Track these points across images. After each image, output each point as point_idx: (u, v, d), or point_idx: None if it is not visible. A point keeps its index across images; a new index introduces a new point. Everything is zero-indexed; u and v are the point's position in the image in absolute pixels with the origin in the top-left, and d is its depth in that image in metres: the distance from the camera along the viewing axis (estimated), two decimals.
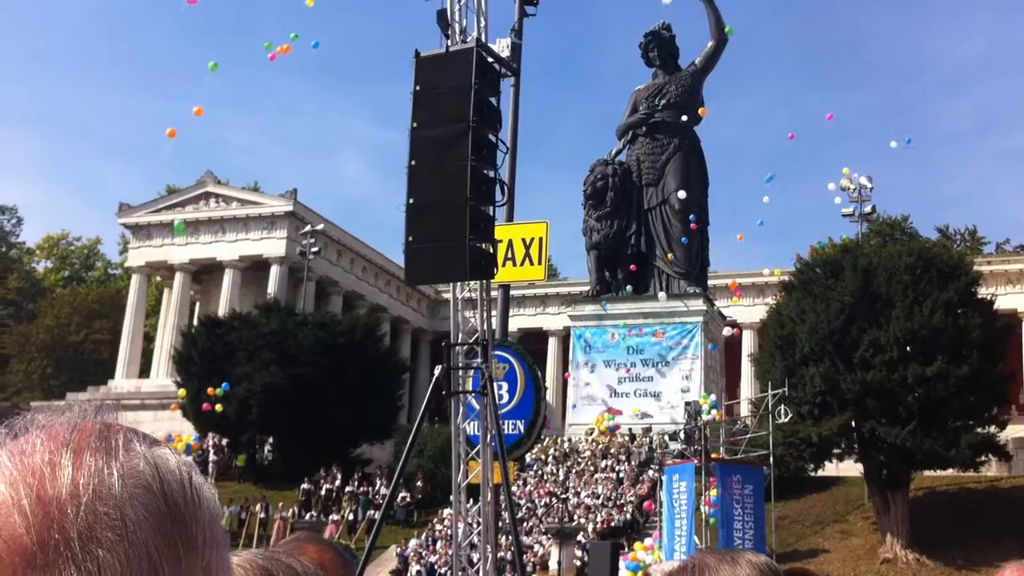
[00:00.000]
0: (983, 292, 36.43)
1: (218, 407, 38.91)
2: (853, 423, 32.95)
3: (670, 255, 47.13)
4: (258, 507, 38.13)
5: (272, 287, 57.72)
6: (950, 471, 35.03)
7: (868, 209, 44.74)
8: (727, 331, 44.95)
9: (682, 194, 46.88)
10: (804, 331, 34.02)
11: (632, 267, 46.94)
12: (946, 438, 32.14)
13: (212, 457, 45.94)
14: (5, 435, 0.82)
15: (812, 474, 36.91)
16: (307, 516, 38.40)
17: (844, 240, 41.06)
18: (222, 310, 53.89)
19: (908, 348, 31.94)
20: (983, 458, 33.93)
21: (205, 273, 62.47)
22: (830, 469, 37.40)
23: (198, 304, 63.16)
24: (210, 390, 36.47)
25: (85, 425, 0.83)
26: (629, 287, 47.05)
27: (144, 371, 62.33)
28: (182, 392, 42.13)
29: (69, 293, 75.86)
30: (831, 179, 40.95)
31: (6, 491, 0.77)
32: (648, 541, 31.13)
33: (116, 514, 0.78)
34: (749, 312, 60.43)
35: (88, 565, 0.75)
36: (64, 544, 0.75)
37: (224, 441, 46.44)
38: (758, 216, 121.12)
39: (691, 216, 44.63)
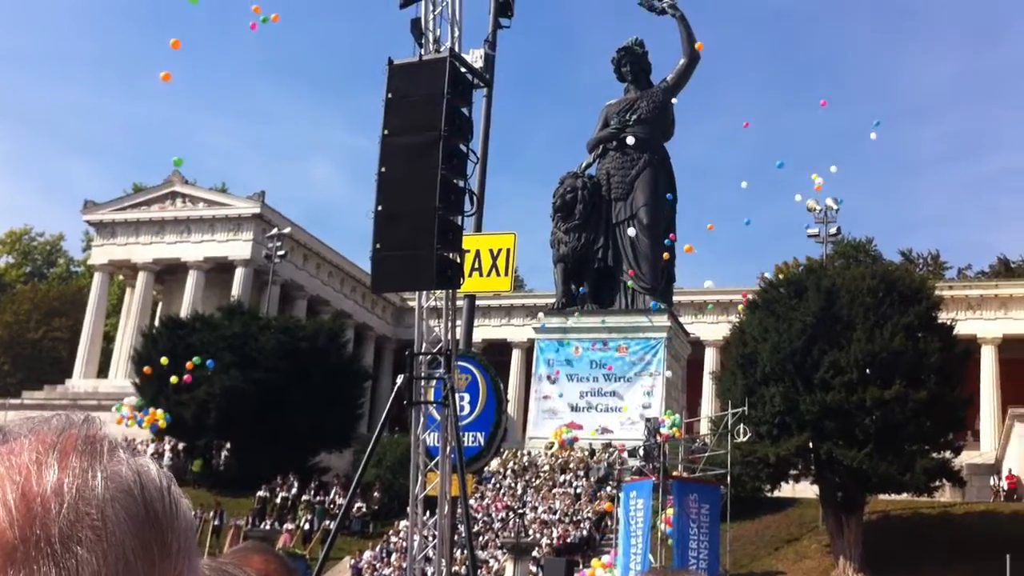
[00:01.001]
0: (943, 317, 36.77)
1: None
2: (811, 444, 33.10)
3: (632, 270, 47.29)
4: (212, 514, 37.64)
5: (236, 289, 57.28)
6: (904, 495, 35.27)
7: (833, 231, 45.14)
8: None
9: (642, 212, 47.31)
10: (766, 350, 34.17)
11: (583, 287, 47.14)
12: (901, 462, 32.36)
13: (167, 461, 45.36)
14: (1, 436, 0.84)
15: (768, 495, 37.04)
16: (262, 524, 38.00)
17: (809, 261, 41.41)
18: (185, 311, 53.39)
19: (868, 370, 32.14)
20: (937, 483, 34.22)
21: (169, 273, 61.91)
22: (786, 490, 37.56)
23: (160, 305, 62.57)
24: (189, 364, 35.51)
25: (72, 432, 0.85)
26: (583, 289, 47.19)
27: (103, 371, 61.61)
28: (136, 400, 40.79)
29: (30, 290, 74.86)
30: (798, 200, 41.20)
31: None
32: (606, 558, 31.09)
33: (97, 514, 0.80)
34: (712, 329, 60.71)
35: (68, 562, 0.77)
36: (45, 540, 0.77)
37: (180, 445, 45.90)
38: (727, 232, 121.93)
39: (666, 241, 44.99)
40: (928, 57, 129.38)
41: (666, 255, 44.30)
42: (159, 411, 36.48)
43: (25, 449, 0.82)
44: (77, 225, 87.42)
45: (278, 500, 40.33)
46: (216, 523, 37.32)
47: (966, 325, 50.49)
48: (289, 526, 38.08)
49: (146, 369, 40.47)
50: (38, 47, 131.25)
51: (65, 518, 0.78)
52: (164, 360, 36.50)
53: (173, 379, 36.93)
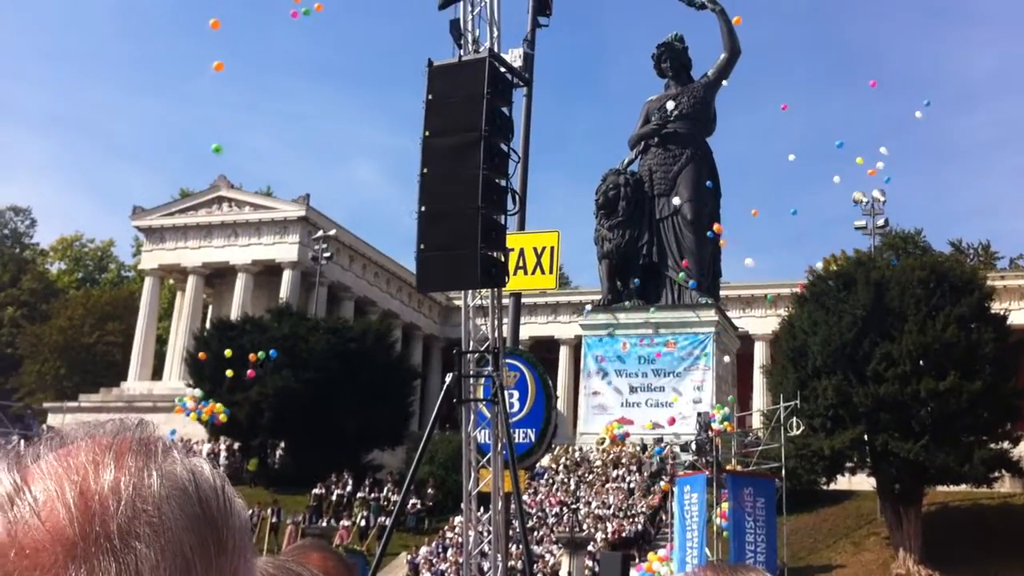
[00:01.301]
0: (996, 307, 36.22)
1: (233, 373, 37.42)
2: (866, 437, 32.79)
3: (686, 261, 46.90)
4: (269, 512, 38.14)
5: (284, 292, 57.85)
6: (963, 486, 34.82)
7: (881, 222, 44.59)
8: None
9: (676, 200, 46.98)
10: (816, 343, 33.91)
11: (636, 280, 46.85)
12: (959, 453, 31.96)
13: (223, 461, 46.04)
14: (56, 441, 0.86)
15: (824, 487, 36.73)
16: (319, 521, 38.39)
17: (857, 253, 40.89)
18: (234, 314, 54.01)
19: (921, 362, 31.80)
20: (996, 474, 33.73)
21: (217, 277, 62.68)
22: (842, 483, 37.24)
23: (211, 307, 63.36)
24: (252, 356, 35.89)
25: (127, 435, 0.88)
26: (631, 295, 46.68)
27: (156, 373, 62.53)
28: (198, 392, 41.04)
29: (82, 295, 76.15)
30: (844, 191, 40.76)
31: (51, 486, 0.81)
32: (663, 552, 30.98)
33: (154, 511, 0.82)
34: (761, 323, 60.30)
35: (127, 558, 0.79)
36: (105, 537, 0.79)
37: (236, 445, 46.53)
38: (773, 226, 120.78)
39: (708, 232, 44.64)
40: (974, 43, 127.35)
41: (718, 228, 43.83)
42: (219, 404, 36.97)
43: (82, 451, 0.84)
44: (127, 231, 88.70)
45: (333, 497, 40.73)
46: (274, 521, 37.79)
47: (1020, 315, 49.60)
48: (345, 523, 38.45)
49: (201, 355, 41.15)
50: (85, 51, 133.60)
51: (123, 515, 0.80)
52: (228, 352, 36.89)
53: (229, 372, 37.48)
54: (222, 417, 36.66)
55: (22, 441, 0.88)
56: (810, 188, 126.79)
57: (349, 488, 41.14)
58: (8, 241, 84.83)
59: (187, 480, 0.86)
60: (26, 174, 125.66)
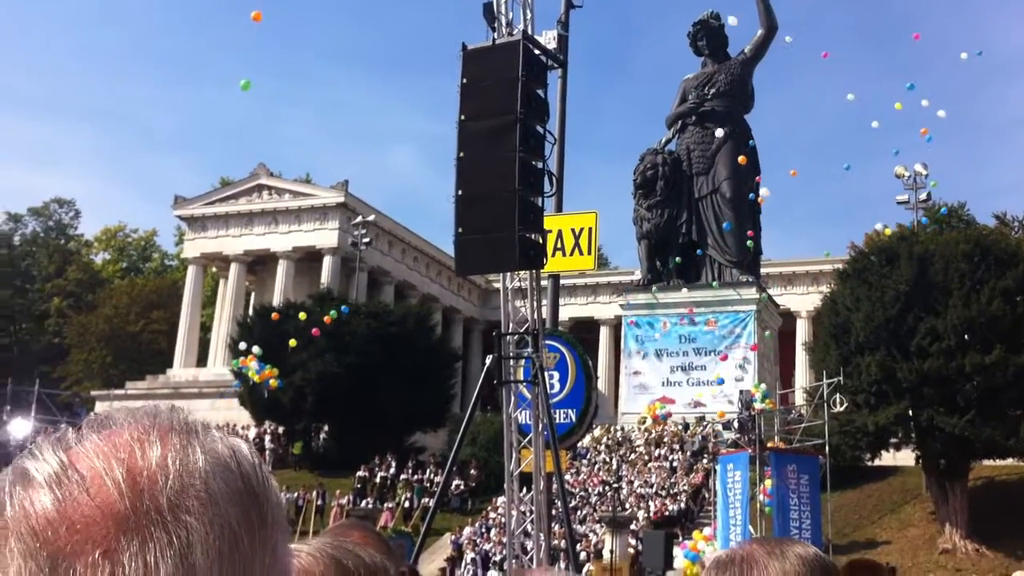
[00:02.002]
0: None
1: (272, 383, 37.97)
2: (910, 412, 32.53)
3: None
4: (315, 494, 38.57)
5: (325, 277, 58.25)
6: (1010, 460, 34.46)
7: (923, 196, 44.02)
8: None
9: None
10: (859, 319, 33.64)
11: (678, 258, 46.55)
12: (1006, 427, 31.62)
13: (268, 445, 46.55)
14: (99, 423, 0.89)
15: (869, 464, 36.49)
16: (363, 503, 38.76)
17: (900, 228, 40.37)
18: (277, 300, 54.50)
19: (966, 336, 31.46)
20: None
21: (259, 264, 63.21)
22: (887, 459, 36.96)
23: (253, 294, 63.94)
24: (327, 318, 36.33)
25: (165, 415, 0.91)
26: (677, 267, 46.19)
27: (201, 360, 63.27)
28: (258, 350, 40.74)
29: (127, 284, 77.14)
30: (885, 165, 40.24)
31: (98, 464, 0.83)
32: (707, 531, 30.98)
33: (201, 485, 0.84)
34: (803, 300, 59.87)
35: (179, 530, 0.81)
36: (156, 511, 0.81)
37: (280, 429, 47.04)
38: (811, 202, 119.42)
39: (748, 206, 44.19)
40: (1013, 13, 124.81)
41: (761, 198, 43.42)
42: (275, 371, 37.39)
43: (125, 431, 0.87)
44: (169, 220, 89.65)
45: (377, 480, 41.08)
46: (319, 503, 38.22)
47: None
48: (390, 504, 38.81)
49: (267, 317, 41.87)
50: (125, 44, 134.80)
51: (172, 488, 0.83)
52: (257, 350, 37.32)
53: (292, 342, 37.92)
54: (273, 383, 37.02)
55: (68, 428, 0.91)
56: (852, 162, 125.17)
57: (393, 470, 41.48)
58: (53, 233, 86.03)
59: (229, 456, 0.88)
60: (70, 166, 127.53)
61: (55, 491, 0.81)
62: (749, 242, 45.34)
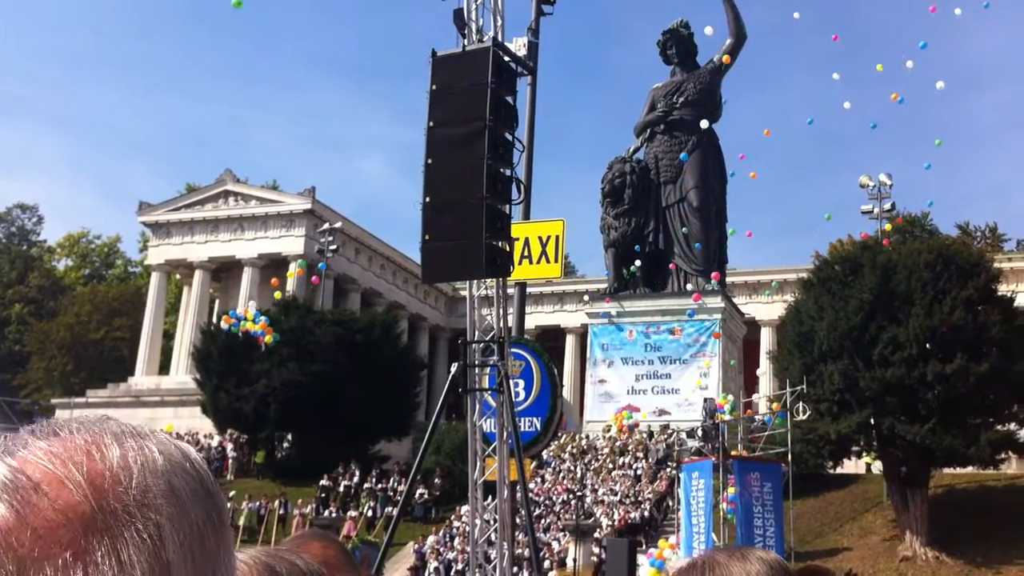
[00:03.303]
0: (1003, 289, 36.12)
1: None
2: (872, 420, 32.81)
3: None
4: (277, 503, 38.30)
5: (291, 285, 57.94)
6: (970, 468, 34.82)
7: (888, 206, 44.53)
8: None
9: (692, 194, 47.12)
10: (823, 328, 33.90)
11: (637, 262, 46.69)
12: (966, 435, 31.94)
13: (231, 454, 46.18)
14: (44, 431, 0.86)
15: (831, 471, 36.76)
16: (326, 512, 38.53)
17: (874, 235, 40.71)
18: (241, 308, 54.11)
19: (927, 345, 31.76)
20: (1003, 455, 33.74)
21: (224, 271, 62.78)
22: (849, 467, 37.24)
23: (217, 302, 63.49)
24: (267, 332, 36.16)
25: (112, 422, 0.89)
26: (637, 264, 46.45)
27: (164, 368, 62.72)
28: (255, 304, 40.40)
29: (89, 291, 76.37)
30: (851, 176, 40.75)
31: (54, 468, 0.81)
32: (674, 539, 31.09)
33: (165, 485, 0.84)
34: (767, 309, 60.28)
35: (149, 528, 0.81)
36: (123, 510, 0.80)
37: (243, 438, 46.66)
38: (777, 212, 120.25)
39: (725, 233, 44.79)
40: (983, 23, 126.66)
41: (716, 275, 44.24)
42: (271, 329, 37.26)
43: (77, 435, 0.85)
44: (133, 227, 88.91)
45: (341, 489, 40.87)
46: (281, 512, 37.95)
47: None
48: (353, 513, 38.59)
49: (274, 281, 42.65)
50: (92, 49, 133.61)
51: (137, 488, 0.82)
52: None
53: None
54: (268, 338, 36.79)
55: (8, 436, 0.88)
56: (816, 174, 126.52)
57: (356, 479, 41.27)
58: (15, 239, 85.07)
59: (182, 458, 0.88)
60: (33, 171, 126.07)
61: (10, 500, 0.79)
62: (731, 229, 45.76)
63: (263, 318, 36.71)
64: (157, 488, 0.83)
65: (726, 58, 48.71)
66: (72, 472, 0.81)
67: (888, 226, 42.10)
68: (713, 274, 45.66)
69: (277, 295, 43.22)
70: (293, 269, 58.89)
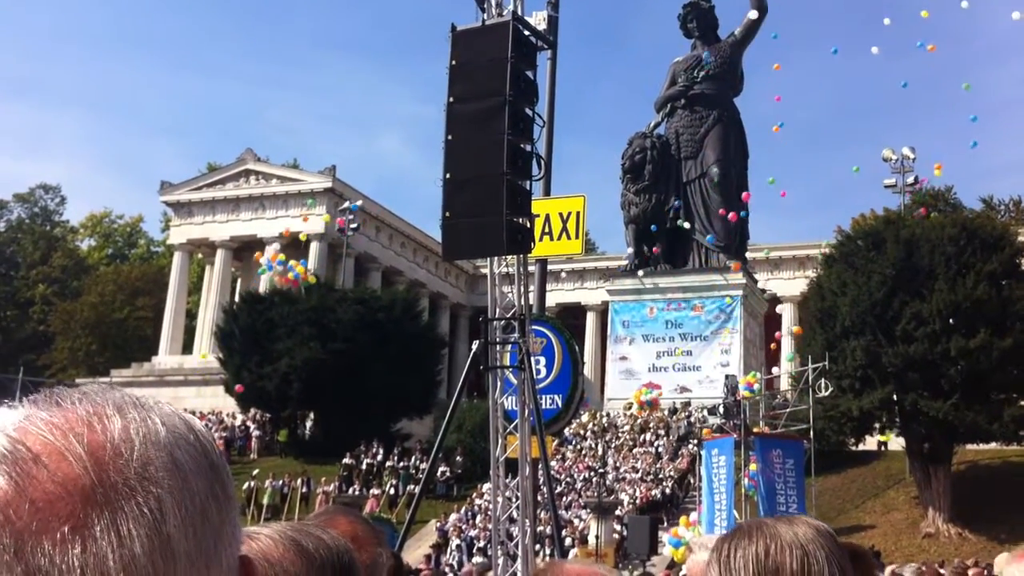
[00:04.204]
0: None
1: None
2: (895, 396, 32.66)
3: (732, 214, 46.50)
4: (299, 482, 38.53)
5: (312, 263, 58.05)
6: (993, 444, 34.65)
7: (911, 180, 44.15)
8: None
9: (713, 169, 46.67)
10: (845, 304, 33.72)
11: (654, 227, 46.41)
12: (989, 411, 31.78)
13: (254, 432, 46.48)
14: (46, 401, 0.85)
15: (853, 448, 36.65)
16: (349, 490, 38.75)
17: (887, 212, 40.41)
18: (263, 286, 54.32)
19: (951, 320, 31.56)
20: None
21: (246, 250, 62.94)
22: (871, 443, 37.11)
23: (239, 281, 63.73)
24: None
25: (116, 392, 0.88)
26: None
27: (187, 347, 63.07)
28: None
29: (112, 271, 76.77)
30: (874, 150, 40.41)
31: (55, 439, 0.80)
32: (692, 516, 31.09)
33: (167, 457, 0.82)
34: (789, 285, 60.01)
35: (150, 501, 0.79)
36: (123, 483, 0.79)
37: (266, 416, 46.96)
38: (799, 187, 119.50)
39: (741, 210, 44.35)
40: None
41: (733, 216, 43.60)
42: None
43: (80, 407, 0.84)
44: (155, 206, 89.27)
45: (363, 467, 41.05)
46: (304, 491, 38.17)
47: None
48: (375, 491, 38.78)
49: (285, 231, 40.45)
50: (112, 28, 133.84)
51: (138, 461, 0.81)
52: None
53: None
54: (306, 276, 37.06)
55: (7, 406, 0.87)
56: (840, 148, 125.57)
57: (379, 457, 41.46)
58: (39, 219, 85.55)
59: (187, 429, 0.87)
60: (56, 151, 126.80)
61: (8, 470, 0.78)
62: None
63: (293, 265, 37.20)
64: (159, 461, 0.82)
65: (752, 15, 48.24)
66: (72, 444, 0.80)
67: (916, 199, 41.75)
68: (734, 264, 45.33)
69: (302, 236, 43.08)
70: (314, 249, 59.13)
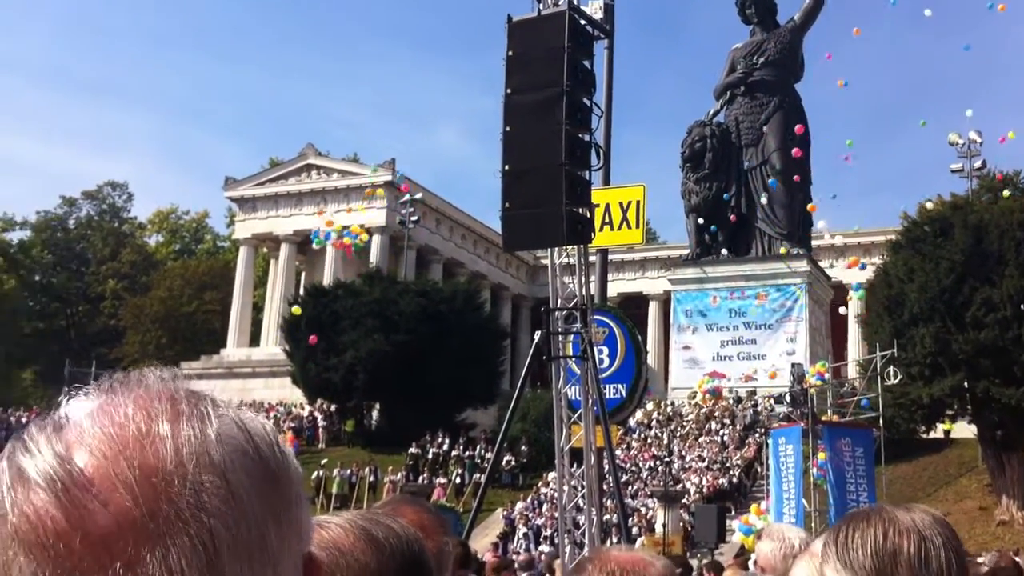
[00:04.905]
0: None
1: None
2: (966, 384, 32.08)
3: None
4: (367, 471, 38.97)
5: (374, 256, 58.55)
6: None
7: (978, 164, 43.19)
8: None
9: (774, 157, 46.07)
10: (913, 291, 33.16)
11: (733, 219, 45.79)
12: None
13: (321, 423, 47.10)
14: (99, 409, 0.81)
15: (924, 436, 36.08)
16: (416, 480, 39.11)
17: (954, 197, 39.59)
18: (326, 279, 54.91)
19: (1022, 306, 30.91)
20: None
21: (309, 243, 63.69)
22: (942, 430, 36.50)
23: (303, 274, 64.48)
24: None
25: (170, 393, 0.83)
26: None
27: (254, 340, 63.99)
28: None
29: (180, 266, 78.12)
30: (938, 133, 39.64)
31: (107, 465, 0.76)
32: (763, 504, 30.83)
33: (220, 482, 0.78)
34: (855, 272, 59.06)
35: (202, 534, 0.76)
36: (175, 515, 0.75)
37: (332, 407, 47.54)
38: (862, 174, 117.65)
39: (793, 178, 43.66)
40: None
41: (796, 151, 42.86)
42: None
43: (130, 419, 0.79)
44: (220, 201, 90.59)
45: (429, 456, 41.39)
46: (372, 480, 38.62)
47: None
48: (441, 480, 39.11)
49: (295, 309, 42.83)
50: (177, 25, 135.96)
51: (190, 490, 0.76)
52: (296, 309, 37.85)
53: (313, 338, 38.72)
54: (363, 237, 37.44)
55: (56, 410, 0.82)
56: (903, 131, 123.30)
57: (444, 447, 41.76)
58: (107, 216, 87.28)
59: (245, 440, 0.82)
60: (122, 150, 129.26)
61: (60, 497, 0.74)
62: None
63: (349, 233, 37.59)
64: (212, 487, 0.77)
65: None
66: (123, 469, 0.76)
67: (984, 184, 40.85)
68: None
69: (361, 208, 42.98)
70: (376, 242, 59.59)
